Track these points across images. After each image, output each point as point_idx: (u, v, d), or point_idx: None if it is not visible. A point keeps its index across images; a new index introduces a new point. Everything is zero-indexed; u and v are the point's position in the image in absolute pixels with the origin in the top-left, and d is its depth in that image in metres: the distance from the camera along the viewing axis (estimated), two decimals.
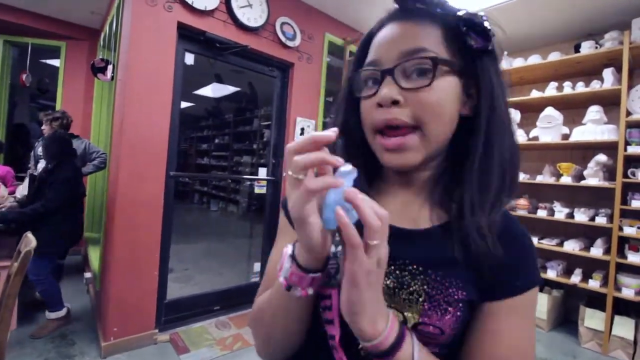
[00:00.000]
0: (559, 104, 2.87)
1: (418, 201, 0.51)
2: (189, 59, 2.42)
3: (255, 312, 0.52)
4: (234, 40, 2.45)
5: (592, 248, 2.55)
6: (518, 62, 3.08)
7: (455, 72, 0.45)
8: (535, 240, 2.81)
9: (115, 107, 2.32)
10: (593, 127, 2.62)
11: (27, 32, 3.40)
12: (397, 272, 0.46)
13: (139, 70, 2.05)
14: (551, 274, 2.72)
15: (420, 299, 0.44)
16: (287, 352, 0.50)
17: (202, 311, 2.55)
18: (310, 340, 0.48)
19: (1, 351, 1.17)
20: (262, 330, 0.50)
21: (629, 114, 2.49)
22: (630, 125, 2.49)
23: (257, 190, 2.97)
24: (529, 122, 3.09)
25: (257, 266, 2.99)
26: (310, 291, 0.40)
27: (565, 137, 2.81)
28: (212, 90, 6.33)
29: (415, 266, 0.45)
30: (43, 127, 2.74)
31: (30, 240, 1.34)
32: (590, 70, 2.80)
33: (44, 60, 4.21)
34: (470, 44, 0.44)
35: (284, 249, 0.42)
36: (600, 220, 2.52)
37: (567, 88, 2.80)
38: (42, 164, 2.62)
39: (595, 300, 2.58)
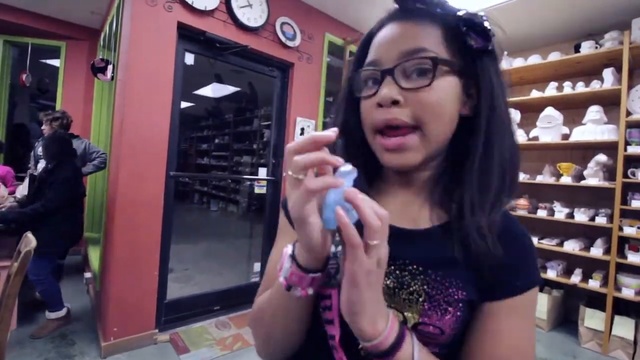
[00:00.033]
0: (559, 104, 2.87)
1: (418, 201, 0.51)
2: (189, 59, 2.42)
3: (255, 312, 0.52)
4: (234, 40, 2.45)
5: (592, 248, 2.55)
6: (518, 62, 3.08)
7: (455, 72, 0.45)
8: (535, 240, 2.81)
9: (115, 107, 2.32)
10: (593, 127, 2.62)
11: (27, 32, 3.40)
12: (397, 272, 0.46)
13: (139, 70, 2.05)
14: (551, 274, 2.72)
15: (420, 299, 0.44)
16: (287, 352, 0.50)
17: (202, 311, 2.55)
18: (310, 340, 0.48)
19: (1, 351, 1.17)
20: (262, 330, 0.50)
21: (629, 114, 2.49)
22: (630, 125, 2.49)
23: (257, 190, 2.97)
24: (529, 122, 3.09)
25: (257, 266, 2.99)
26: (310, 291, 0.40)
27: (565, 137, 2.81)
28: (212, 90, 6.33)
29: (415, 266, 0.45)
30: (43, 127, 2.74)
31: (30, 240, 1.34)
32: (590, 70, 2.80)
33: (44, 60, 4.21)
34: (470, 44, 0.44)
35: (284, 249, 0.42)
36: (600, 220, 2.52)
37: (567, 88, 2.80)
38: (42, 164, 2.62)
39: (595, 300, 2.58)
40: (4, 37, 3.45)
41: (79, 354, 2.02)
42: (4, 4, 3.13)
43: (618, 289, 2.43)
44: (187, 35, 2.31)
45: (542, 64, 2.86)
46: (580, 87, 2.72)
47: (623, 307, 2.50)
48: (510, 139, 0.47)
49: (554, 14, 2.69)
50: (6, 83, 3.59)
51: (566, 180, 2.71)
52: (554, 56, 2.82)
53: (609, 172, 2.62)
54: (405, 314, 0.44)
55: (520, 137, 3.01)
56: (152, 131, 2.13)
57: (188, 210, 7.61)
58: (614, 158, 2.49)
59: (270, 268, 0.56)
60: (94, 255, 2.87)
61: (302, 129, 2.95)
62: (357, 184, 0.35)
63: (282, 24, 2.73)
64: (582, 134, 2.67)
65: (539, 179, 2.89)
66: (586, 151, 2.85)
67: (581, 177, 2.69)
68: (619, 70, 2.54)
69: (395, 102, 0.43)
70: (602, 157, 2.52)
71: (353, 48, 3.31)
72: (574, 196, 2.89)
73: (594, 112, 2.63)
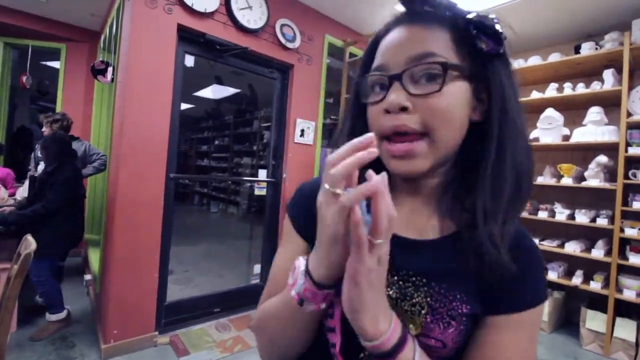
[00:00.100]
0: (560, 105, 2.86)
1: (426, 210, 0.49)
2: (189, 60, 2.42)
3: (260, 320, 0.51)
4: (233, 42, 2.45)
5: (593, 249, 2.54)
6: (518, 63, 3.08)
7: (465, 77, 0.43)
8: (536, 241, 2.80)
9: (116, 109, 2.32)
10: (593, 128, 2.62)
11: (28, 34, 3.41)
12: (400, 282, 0.45)
13: (139, 72, 2.05)
14: (552, 275, 2.71)
15: (423, 312, 0.43)
16: (290, 358, 0.50)
17: (202, 313, 2.55)
18: (311, 348, 0.48)
19: (1, 353, 1.17)
20: (267, 337, 0.50)
21: (629, 115, 2.48)
22: (631, 126, 2.48)
23: (257, 192, 2.97)
24: (529, 123, 3.05)
25: (257, 268, 2.98)
26: (323, 306, 0.39)
27: (566, 138, 2.81)
28: (212, 92, 6.34)
29: (419, 277, 0.45)
30: (43, 129, 2.74)
31: (30, 243, 1.33)
32: (590, 71, 2.79)
33: (44, 62, 4.22)
34: (481, 47, 0.42)
35: (296, 262, 0.41)
36: (602, 222, 2.51)
37: (568, 89, 2.80)
38: (42, 166, 2.62)
39: (597, 302, 2.58)
40: (4, 39, 3.45)
41: (79, 356, 2.01)
42: (4, 6, 3.13)
43: (619, 290, 2.42)
44: (187, 37, 2.31)
45: (543, 65, 2.86)
46: (581, 88, 2.71)
47: (624, 309, 2.49)
48: (524, 142, 0.45)
49: (554, 14, 2.69)
50: (6, 85, 3.60)
51: (567, 181, 2.70)
52: (554, 57, 2.82)
53: (610, 174, 2.61)
54: (407, 325, 0.44)
55: None
56: (152, 133, 2.13)
57: (188, 212, 7.62)
58: (615, 159, 2.48)
59: (274, 274, 0.55)
60: (94, 257, 2.87)
61: (302, 131, 2.95)
62: None
63: (282, 25, 2.73)
64: (583, 135, 2.66)
65: (540, 180, 2.88)
66: (587, 152, 2.84)
67: (582, 179, 2.69)
68: (619, 71, 2.54)
69: (403, 109, 0.42)
70: (602, 158, 2.52)
71: (353, 49, 3.32)
72: (575, 197, 2.88)
73: (595, 113, 2.62)
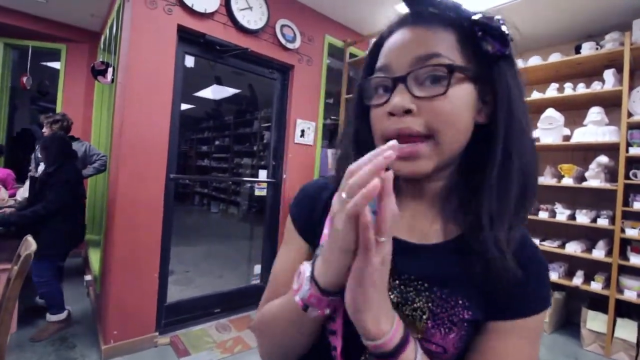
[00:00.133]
0: (560, 105, 2.86)
1: (430, 214, 0.49)
2: (189, 61, 2.42)
3: (262, 322, 0.51)
4: (234, 43, 2.45)
5: (594, 250, 2.54)
6: (518, 64, 3.07)
7: (470, 79, 0.43)
8: (536, 242, 2.80)
9: (116, 110, 2.32)
10: (594, 129, 2.61)
11: (28, 34, 3.41)
12: (402, 287, 0.45)
13: (139, 73, 2.05)
14: (553, 276, 2.71)
15: (424, 317, 0.43)
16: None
17: (202, 314, 2.55)
18: (312, 350, 0.48)
19: (1, 354, 1.17)
20: (269, 339, 0.50)
21: (630, 115, 2.48)
22: (632, 126, 2.48)
23: (257, 193, 2.97)
24: None
25: (257, 268, 2.98)
26: (328, 311, 0.39)
27: (567, 138, 2.80)
28: (212, 92, 6.35)
29: (420, 282, 0.44)
30: (44, 130, 2.74)
31: (30, 244, 1.33)
32: (591, 72, 2.79)
33: (44, 63, 4.23)
34: (487, 49, 0.42)
35: (301, 267, 0.41)
36: (602, 222, 2.50)
37: (568, 89, 2.79)
38: (43, 167, 2.62)
39: (598, 303, 2.57)
40: (5, 39, 3.46)
41: (79, 357, 2.01)
42: (4, 6, 3.14)
43: (620, 291, 2.41)
44: (187, 38, 2.31)
45: (543, 65, 2.85)
46: (581, 89, 2.71)
47: (625, 310, 2.49)
48: (530, 144, 0.45)
49: (554, 14, 2.68)
50: (7, 86, 3.60)
51: (567, 181, 2.70)
52: (555, 57, 2.81)
53: (611, 174, 2.61)
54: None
55: None
56: (152, 133, 2.13)
57: (188, 212, 7.63)
58: (616, 159, 2.47)
59: (275, 276, 0.55)
60: (95, 258, 2.87)
61: (302, 131, 2.95)
62: None
63: (282, 26, 2.73)
64: (583, 135, 2.66)
65: (541, 180, 2.87)
66: (587, 152, 2.84)
67: (582, 179, 2.68)
68: (619, 71, 2.53)
69: (407, 111, 0.41)
70: (603, 159, 2.51)
71: (353, 50, 3.32)
72: (576, 198, 2.88)
73: (595, 113, 2.62)
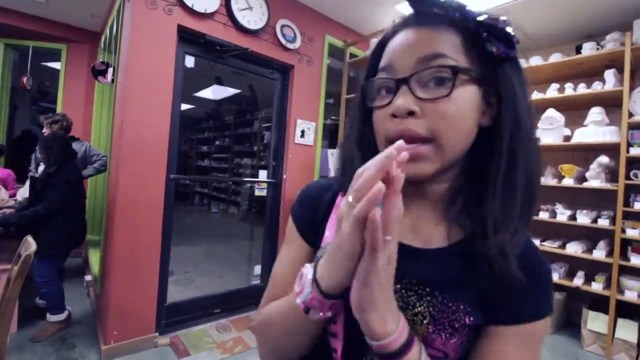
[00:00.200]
0: (561, 105, 2.86)
1: (433, 218, 0.48)
2: (189, 61, 2.42)
3: (262, 324, 0.51)
4: (234, 43, 2.45)
5: (594, 250, 2.53)
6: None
7: (475, 81, 0.42)
8: (537, 242, 2.80)
9: (116, 110, 2.32)
10: (595, 129, 2.61)
11: (28, 35, 3.41)
12: (403, 291, 0.45)
13: (139, 73, 2.05)
14: (553, 276, 2.70)
15: (425, 322, 0.43)
16: None
17: (202, 314, 2.54)
18: (312, 351, 0.47)
19: (1, 354, 1.17)
20: (269, 341, 0.50)
21: (631, 115, 2.47)
22: (632, 126, 2.47)
23: (257, 193, 2.97)
24: None
25: (257, 269, 2.98)
26: (329, 314, 0.39)
27: (567, 138, 2.80)
28: (213, 93, 6.35)
29: (422, 286, 0.44)
30: (44, 130, 2.74)
31: (30, 244, 1.33)
32: (591, 72, 2.79)
33: (44, 63, 4.23)
34: (491, 51, 0.41)
35: (303, 269, 0.41)
36: (603, 222, 2.50)
37: (569, 89, 2.79)
38: (43, 167, 2.62)
39: (598, 303, 2.57)
40: (5, 40, 3.46)
41: (79, 358, 2.01)
42: (5, 7, 3.14)
43: (621, 291, 2.41)
44: (187, 38, 2.31)
45: (544, 65, 2.85)
46: (582, 89, 2.70)
47: (626, 310, 2.48)
48: (535, 147, 0.44)
49: (554, 15, 2.68)
50: (7, 86, 3.60)
51: (568, 182, 2.69)
52: (555, 57, 2.81)
53: (611, 174, 2.60)
54: None
55: None
56: (152, 133, 2.13)
57: (188, 212, 7.63)
58: (616, 160, 2.47)
59: (275, 277, 0.54)
60: (95, 258, 2.87)
61: (303, 131, 2.95)
62: None
63: (282, 26, 2.73)
64: (584, 135, 2.65)
65: (541, 180, 2.87)
66: (588, 153, 2.83)
67: (583, 179, 2.68)
68: (620, 71, 2.53)
69: (411, 113, 0.40)
70: (604, 159, 2.51)
71: (353, 50, 3.31)
72: (576, 198, 2.87)
73: (596, 113, 2.61)
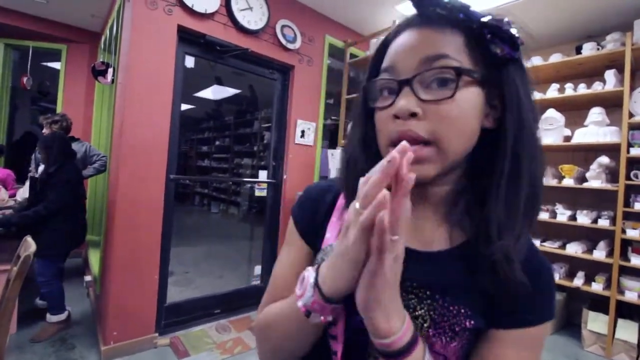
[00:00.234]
0: (561, 105, 2.85)
1: (435, 220, 0.48)
2: (189, 61, 2.42)
3: (262, 325, 0.50)
4: (234, 43, 2.45)
5: (594, 251, 2.53)
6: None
7: (478, 82, 0.41)
8: (537, 242, 2.80)
9: (116, 110, 2.32)
10: (595, 129, 2.61)
11: (28, 35, 3.41)
12: (404, 294, 0.44)
13: (139, 73, 2.05)
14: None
15: (425, 325, 0.43)
16: None
17: (202, 314, 2.54)
18: (313, 354, 0.47)
19: (0, 355, 1.17)
20: (268, 342, 0.49)
21: (631, 115, 2.47)
22: (633, 127, 2.47)
23: (257, 193, 2.97)
24: None
25: (257, 269, 2.97)
26: (330, 318, 0.39)
27: (567, 139, 2.80)
28: (213, 93, 6.35)
29: (422, 290, 0.44)
30: (44, 131, 2.74)
31: (29, 245, 1.33)
32: (592, 72, 2.79)
33: (44, 63, 4.23)
34: (495, 52, 0.41)
35: (305, 272, 0.41)
36: (603, 223, 2.50)
37: (569, 90, 2.79)
38: (43, 167, 2.62)
39: (598, 304, 2.57)
40: (5, 40, 3.46)
41: (79, 358, 2.01)
42: (5, 7, 3.14)
43: (621, 292, 2.41)
44: (187, 38, 2.31)
45: (544, 66, 2.85)
46: (582, 89, 2.70)
47: (626, 310, 2.48)
48: (538, 149, 0.44)
49: (555, 15, 2.68)
50: (7, 86, 3.60)
51: (568, 182, 2.69)
52: (556, 57, 2.81)
53: (612, 174, 2.60)
54: None
55: None
56: (153, 133, 2.13)
57: (188, 212, 7.63)
58: (617, 160, 2.47)
59: (276, 278, 0.54)
60: (94, 258, 2.87)
61: (303, 131, 2.94)
62: None
63: (283, 26, 2.73)
64: (584, 135, 2.65)
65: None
66: (588, 153, 2.83)
67: (583, 179, 2.68)
68: (620, 71, 2.53)
69: (413, 115, 0.40)
70: (604, 159, 2.51)
71: (353, 50, 3.31)
72: (576, 198, 2.87)
73: (596, 113, 2.61)
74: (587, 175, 2.61)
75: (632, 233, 2.36)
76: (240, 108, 6.81)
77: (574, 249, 2.63)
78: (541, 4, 2.54)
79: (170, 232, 2.32)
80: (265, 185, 2.95)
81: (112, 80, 2.58)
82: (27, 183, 2.76)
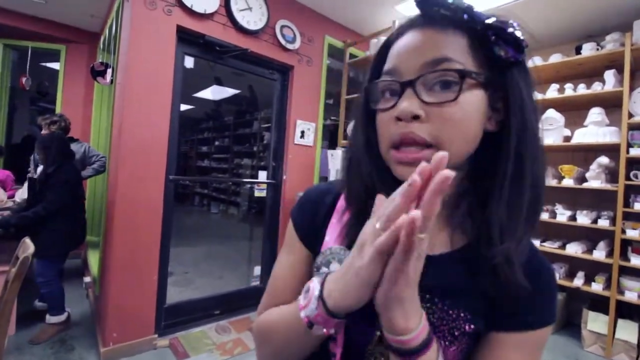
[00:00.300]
0: (561, 105, 2.85)
1: (436, 223, 0.47)
2: (189, 62, 2.42)
3: (262, 329, 0.50)
4: (233, 44, 2.45)
5: (594, 251, 2.53)
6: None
7: (481, 85, 0.41)
8: (537, 243, 2.80)
9: (115, 110, 2.31)
10: (595, 129, 2.61)
11: (27, 35, 3.40)
12: None
13: (138, 73, 2.04)
14: None
15: None
16: None
17: (202, 315, 2.54)
18: (312, 356, 0.47)
19: None
20: (268, 347, 0.49)
21: (631, 116, 2.47)
22: (632, 127, 2.47)
23: (257, 194, 2.96)
24: None
25: (257, 270, 2.97)
26: (333, 331, 0.38)
27: (567, 139, 2.80)
28: (212, 93, 6.35)
29: (422, 293, 0.43)
30: (43, 132, 2.73)
31: (28, 246, 1.32)
32: (591, 72, 2.79)
33: (43, 64, 4.22)
34: (499, 54, 0.40)
35: (310, 284, 0.40)
36: (603, 223, 2.50)
37: (569, 90, 2.79)
38: (42, 168, 2.61)
39: (598, 304, 2.57)
40: (4, 40, 3.45)
41: None
42: (4, 7, 3.13)
43: (621, 292, 2.41)
44: (187, 39, 2.30)
45: (543, 66, 2.85)
46: (582, 89, 2.70)
47: (626, 310, 2.48)
48: (541, 152, 0.43)
49: (554, 15, 2.68)
50: (6, 86, 3.60)
51: (568, 182, 2.69)
52: (555, 58, 2.81)
53: (611, 175, 2.60)
54: None
55: None
56: (152, 134, 2.12)
57: (188, 213, 7.62)
58: (616, 160, 2.47)
59: (275, 281, 0.54)
60: (94, 259, 2.86)
61: (302, 132, 2.94)
62: None
63: (282, 26, 2.72)
64: (584, 136, 2.65)
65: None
66: (588, 153, 2.83)
67: (583, 180, 2.68)
68: (620, 72, 2.53)
69: (415, 117, 0.40)
70: (604, 160, 2.51)
71: (353, 50, 3.31)
72: (576, 198, 2.87)
73: (596, 114, 2.61)
74: (587, 175, 2.61)
75: (632, 233, 2.36)
76: (240, 108, 6.80)
77: (573, 249, 2.63)
78: (541, 4, 2.53)
79: (169, 233, 2.31)
80: (264, 186, 2.94)
81: (111, 81, 2.57)
82: (26, 184, 2.75)
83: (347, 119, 3.26)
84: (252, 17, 2.52)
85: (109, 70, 2.59)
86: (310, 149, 3.03)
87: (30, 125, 5.36)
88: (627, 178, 2.43)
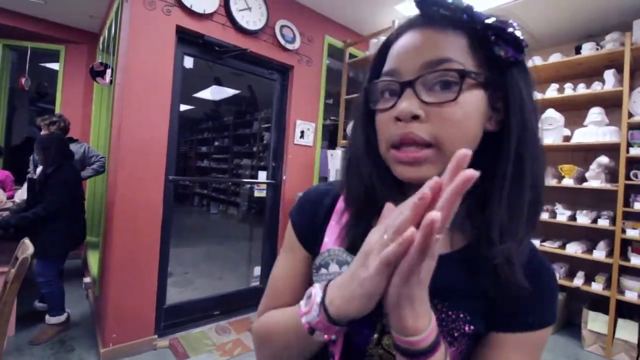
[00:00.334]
0: (560, 105, 2.85)
1: None
2: (188, 62, 2.41)
3: (262, 331, 0.50)
4: (233, 44, 2.44)
5: (594, 250, 2.53)
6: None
7: (481, 85, 0.41)
8: (537, 242, 2.80)
9: (114, 111, 2.31)
10: (594, 129, 2.61)
11: (27, 36, 3.40)
12: None
13: (137, 74, 2.04)
14: None
15: None
16: None
17: (201, 316, 2.53)
18: (311, 357, 0.47)
19: None
20: (267, 349, 0.49)
21: (630, 115, 2.47)
22: (632, 126, 2.47)
23: (257, 194, 2.96)
24: None
25: (257, 270, 2.97)
26: (334, 337, 0.38)
27: (567, 139, 2.80)
28: (212, 93, 6.34)
29: None
30: (42, 132, 2.72)
31: (27, 247, 1.32)
32: (591, 72, 2.79)
33: (43, 64, 4.21)
34: (499, 54, 0.40)
35: (312, 290, 0.40)
36: (603, 223, 2.50)
37: (568, 89, 2.79)
38: (41, 168, 2.60)
39: (598, 303, 2.57)
40: (3, 41, 3.45)
41: None
42: (3, 8, 3.13)
43: (621, 291, 2.41)
44: (186, 39, 2.30)
45: (543, 66, 2.85)
46: (582, 89, 2.70)
47: (626, 310, 2.48)
48: (540, 151, 0.43)
49: (554, 15, 2.68)
50: (5, 87, 3.59)
51: (568, 182, 2.69)
52: (555, 57, 2.81)
53: (611, 174, 2.60)
54: None
55: None
56: (151, 134, 2.12)
57: (188, 213, 7.62)
58: (616, 160, 2.47)
59: (274, 283, 0.54)
60: (93, 260, 2.86)
61: (302, 132, 2.94)
62: None
63: (282, 26, 2.72)
64: (584, 135, 2.65)
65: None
66: (588, 153, 2.83)
67: (583, 179, 2.68)
68: (620, 71, 2.53)
69: (415, 117, 0.40)
70: (604, 159, 2.51)
71: (353, 50, 3.31)
72: (576, 198, 2.87)
73: (596, 113, 2.61)
74: (587, 175, 2.61)
75: (632, 233, 2.36)
76: (240, 108, 6.80)
77: (573, 249, 2.63)
78: (542, 3, 2.53)
79: (169, 233, 2.31)
80: (264, 186, 2.94)
81: (111, 81, 2.57)
82: (25, 184, 2.75)
83: (347, 119, 3.26)
84: (252, 17, 2.52)
85: (109, 71, 2.59)
86: (310, 149, 3.03)
87: (30, 125, 5.36)
88: (627, 178, 2.42)
